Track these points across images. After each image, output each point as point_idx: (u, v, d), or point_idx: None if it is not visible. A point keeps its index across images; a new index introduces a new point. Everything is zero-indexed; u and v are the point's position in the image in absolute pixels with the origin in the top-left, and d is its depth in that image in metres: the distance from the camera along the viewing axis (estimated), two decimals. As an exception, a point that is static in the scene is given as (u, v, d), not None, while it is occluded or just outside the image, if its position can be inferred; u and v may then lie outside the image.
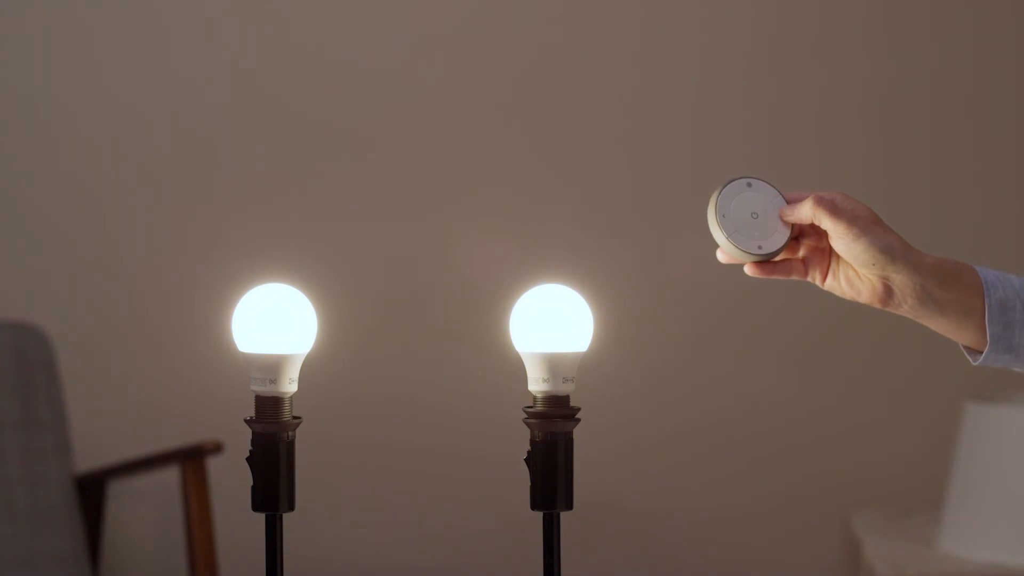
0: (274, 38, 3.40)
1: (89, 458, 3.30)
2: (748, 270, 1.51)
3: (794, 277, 1.52)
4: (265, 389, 1.47)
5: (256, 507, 1.48)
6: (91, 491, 3.12)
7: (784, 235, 1.49)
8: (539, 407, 1.49)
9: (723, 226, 1.49)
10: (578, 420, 1.50)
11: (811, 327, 3.39)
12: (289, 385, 1.48)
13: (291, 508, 1.48)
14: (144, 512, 3.41)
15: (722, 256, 1.51)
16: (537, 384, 1.49)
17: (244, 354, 1.48)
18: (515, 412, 1.56)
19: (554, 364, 1.48)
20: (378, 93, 3.40)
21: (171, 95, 3.38)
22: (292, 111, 3.40)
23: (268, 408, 1.47)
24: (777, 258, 1.50)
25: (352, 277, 3.39)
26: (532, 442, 1.49)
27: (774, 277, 1.51)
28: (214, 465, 3.09)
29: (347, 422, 3.38)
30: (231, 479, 3.20)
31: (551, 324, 1.49)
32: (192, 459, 2.97)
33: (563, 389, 1.49)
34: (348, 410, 3.38)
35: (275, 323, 1.47)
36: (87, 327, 3.38)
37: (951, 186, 3.40)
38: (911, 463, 3.38)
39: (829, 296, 1.51)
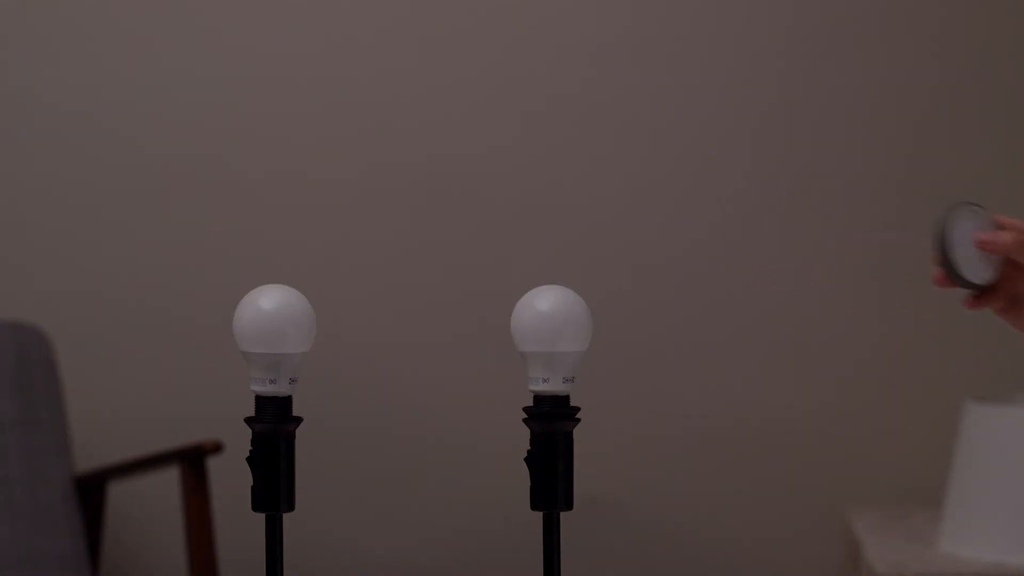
0: (274, 38, 3.40)
1: (89, 458, 3.30)
2: (968, 303, 1.47)
3: (992, 307, 1.48)
4: (265, 389, 1.47)
5: (256, 507, 1.47)
6: (91, 491, 3.12)
7: (997, 263, 1.47)
8: (539, 407, 1.49)
9: (954, 256, 1.45)
10: (578, 420, 1.49)
11: (811, 327, 3.38)
12: (289, 385, 1.47)
13: (291, 508, 1.48)
14: (144, 512, 3.41)
15: (941, 282, 1.47)
16: (537, 384, 1.49)
17: (244, 354, 1.48)
18: (515, 412, 1.56)
19: (554, 364, 1.48)
20: (379, 93, 3.39)
21: (171, 94, 3.38)
22: (293, 110, 3.40)
23: (268, 408, 1.47)
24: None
25: (352, 277, 3.39)
26: (532, 442, 1.49)
27: (987, 308, 1.46)
28: (214, 465, 3.09)
29: (347, 422, 3.38)
30: (231, 479, 3.20)
31: (551, 324, 1.48)
32: (192, 459, 2.97)
33: (563, 389, 1.48)
34: (348, 410, 3.38)
35: (275, 323, 1.46)
36: (87, 327, 3.37)
37: (965, 187, 3.39)
38: (911, 463, 3.38)
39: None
